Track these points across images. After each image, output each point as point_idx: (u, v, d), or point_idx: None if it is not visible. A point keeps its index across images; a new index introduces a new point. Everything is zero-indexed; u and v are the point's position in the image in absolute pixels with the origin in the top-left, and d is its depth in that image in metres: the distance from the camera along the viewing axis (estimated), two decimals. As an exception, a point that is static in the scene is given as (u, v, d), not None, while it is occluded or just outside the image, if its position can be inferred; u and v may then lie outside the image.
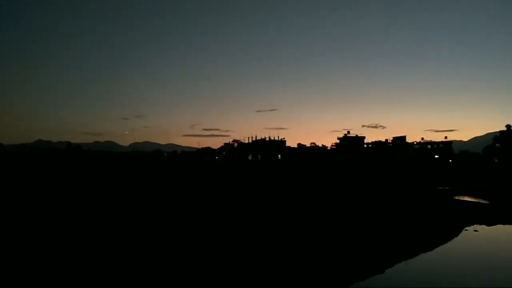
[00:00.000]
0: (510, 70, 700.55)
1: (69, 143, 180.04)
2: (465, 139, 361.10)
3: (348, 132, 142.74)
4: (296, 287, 10.78)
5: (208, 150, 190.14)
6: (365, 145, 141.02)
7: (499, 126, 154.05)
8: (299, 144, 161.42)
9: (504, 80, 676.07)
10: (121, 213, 20.04)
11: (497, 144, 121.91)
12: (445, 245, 16.52)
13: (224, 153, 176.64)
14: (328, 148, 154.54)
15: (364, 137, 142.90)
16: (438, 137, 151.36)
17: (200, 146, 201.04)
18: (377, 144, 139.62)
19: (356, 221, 19.78)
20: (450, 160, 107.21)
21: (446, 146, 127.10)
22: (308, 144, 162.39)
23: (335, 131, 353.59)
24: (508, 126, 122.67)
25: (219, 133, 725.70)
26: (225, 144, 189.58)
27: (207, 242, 14.59)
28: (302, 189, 34.89)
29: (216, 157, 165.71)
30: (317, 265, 12.55)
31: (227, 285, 10.57)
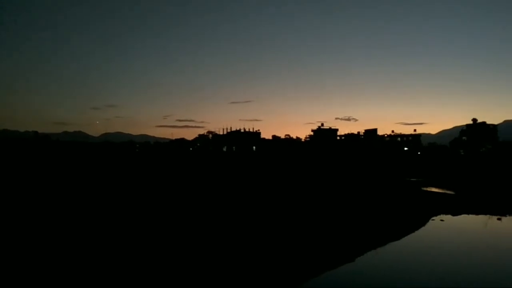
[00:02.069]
0: (478, 65, 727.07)
1: (36, 132, 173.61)
2: (434, 132, 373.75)
3: (322, 125, 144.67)
4: (267, 278, 10.85)
5: (182, 141, 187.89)
6: (338, 137, 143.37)
7: (466, 120, 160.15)
8: (273, 136, 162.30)
9: (472, 75, 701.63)
10: (89, 205, 19.54)
11: (463, 137, 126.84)
12: (412, 234, 17.06)
13: (198, 144, 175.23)
14: (302, 140, 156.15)
15: (337, 130, 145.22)
16: (408, 130, 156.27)
17: (174, 137, 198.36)
18: (349, 136, 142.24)
19: (329, 212, 20.11)
20: (419, 152, 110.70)
21: (415, 139, 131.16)
22: (282, 136, 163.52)
23: (309, 123, 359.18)
24: (474, 120, 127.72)
25: (193, 124, 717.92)
26: (199, 135, 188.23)
27: (174, 232, 14.45)
28: (276, 180, 35.12)
29: (190, 149, 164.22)
30: (288, 256, 12.68)
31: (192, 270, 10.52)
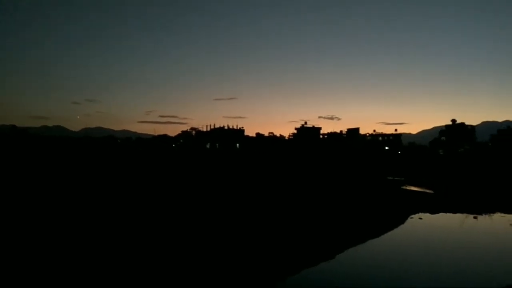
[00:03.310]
0: (457, 67, 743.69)
1: (13, 126, 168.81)
2: (414, 132, 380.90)
3: (305, 123, 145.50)
4: (250, 276, 10.84)
5: (164, 137, 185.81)
6: (321, 136, 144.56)
7: (445, 121, 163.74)
8: (257, 134, 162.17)
9: (452, 77, 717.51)
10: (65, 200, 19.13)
11: (442, 138, 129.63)
12: (391, 231, 17.34)
13: (181, 140, 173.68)
14: (286, 138, 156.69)
15: (320, 128, 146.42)
16: (389, 130, 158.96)
17: (156, 133, 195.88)
18: (332, 135, 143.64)
19: (311, 209, 20.23)
20: (399, 152, 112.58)
21: (396, 138, 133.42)
22: (266, 134, 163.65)
23: (293, 121, 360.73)
24: (453, 120, 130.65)
25: (176, 121, 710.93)
26: (182, 132, 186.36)
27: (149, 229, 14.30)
28: (259, 178, 35.14)
29: (173, 145, 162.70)
30: (268, 253, 12.70)
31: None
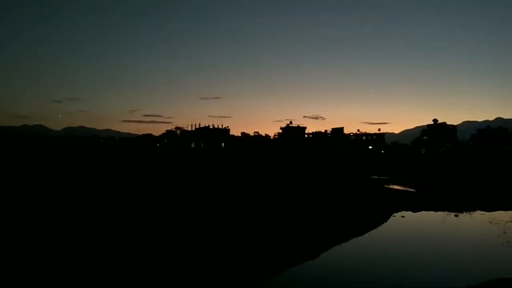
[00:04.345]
0: (439, 67, 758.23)
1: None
2: (397, 131, 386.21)
3: (291, 122, 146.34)
4: (234, 275, 10.83)
5: (149, 137, 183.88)
6: (306, 135, 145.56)
7: (427, 120, 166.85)
8: (243, 133, 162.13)
9: (433, 77, 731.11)
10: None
11: (424, 137, 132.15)
12: (375, 230, 17.60)
13: (166, 140, 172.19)
14: (271, 137, 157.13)
15: (305, 128, 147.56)
16: (373, 129, 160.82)
17: (140, 133, 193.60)
18: (317, 134, 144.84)
19: (297, 208, 20.34)
20: (383, 151, 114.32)
21: (379, 138, 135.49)
22: (251, 133, 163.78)
23: (278, 121, 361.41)
24: (435, 120, 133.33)
25: (161, 120, 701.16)
26: (167, 131, 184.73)
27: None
28: (244, 177, 35.14)
29: (158, 145, 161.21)
30: (255, 252, 12.72)
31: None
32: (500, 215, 21.49)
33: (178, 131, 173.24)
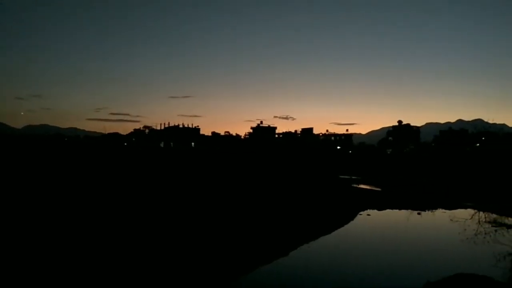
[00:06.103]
0: (404, 71, 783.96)
1: None
2: (364, 132, 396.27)
3: (261, 122, 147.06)
4: (204, 274, 10.70)
5: (115, 136, 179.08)
6: (276, 135, 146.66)
7: (393, 122, 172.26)
8: (213, 133, 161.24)
9: (398, 79, 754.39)
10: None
11: (389, 138, 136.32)
12: (342, 228, 17.95)
13: (133, 139, 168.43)
14: (242, 137, 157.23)
15: (275, 128, 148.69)
16: (341, 130, 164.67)
17: (107, 131, 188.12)
18: (287, 134, 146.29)
19: (266, 207, 20.39)
20: (350, 151, 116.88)
21: (347, 138, 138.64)
22: (222, 133, 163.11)
23: (249, 120, 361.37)
24: (399, 121, 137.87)
25: (128, 119, 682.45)
26: (135, 130, 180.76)
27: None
28: (214, 177, 34.90)
29: (125, 144, 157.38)
30: (225, 252, 12.63)
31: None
32: (460, 213, 22.44)
33: (147, 130, 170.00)
